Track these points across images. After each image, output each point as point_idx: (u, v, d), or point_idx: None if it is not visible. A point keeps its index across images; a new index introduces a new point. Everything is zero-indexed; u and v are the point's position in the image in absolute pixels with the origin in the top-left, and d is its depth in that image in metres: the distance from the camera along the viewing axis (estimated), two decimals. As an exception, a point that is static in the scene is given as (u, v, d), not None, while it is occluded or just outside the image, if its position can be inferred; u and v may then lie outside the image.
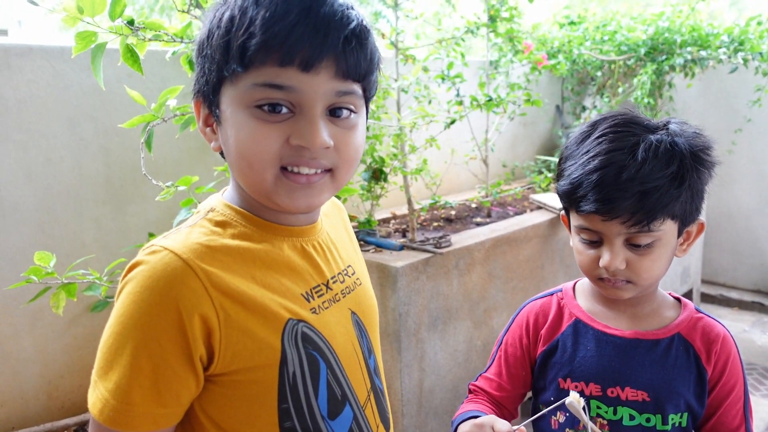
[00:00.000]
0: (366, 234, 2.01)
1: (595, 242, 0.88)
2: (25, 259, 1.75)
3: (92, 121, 1.85)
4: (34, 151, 1.75)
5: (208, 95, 0.69)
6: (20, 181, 1.73)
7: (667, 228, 0.85)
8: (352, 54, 0.65)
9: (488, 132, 2.69)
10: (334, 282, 0.78)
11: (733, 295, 3.76)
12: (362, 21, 0.66)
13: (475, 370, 2.09)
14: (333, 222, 0.87)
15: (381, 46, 2.38)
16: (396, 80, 2.15)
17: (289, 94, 0.64)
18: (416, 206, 2.27)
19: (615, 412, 0.89)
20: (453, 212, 2.61)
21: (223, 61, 0.64)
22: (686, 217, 0.87)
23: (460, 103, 2.18)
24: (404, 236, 2.14)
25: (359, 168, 2.07)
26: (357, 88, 0.68)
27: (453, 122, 2.04)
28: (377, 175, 2.07)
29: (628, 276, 0.86)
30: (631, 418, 0.89)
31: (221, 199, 0.75)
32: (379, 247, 1.95)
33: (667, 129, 0.86)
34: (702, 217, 0.92)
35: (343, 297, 0.78)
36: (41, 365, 1.80)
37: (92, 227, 1.87)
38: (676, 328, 0.92)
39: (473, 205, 2.74)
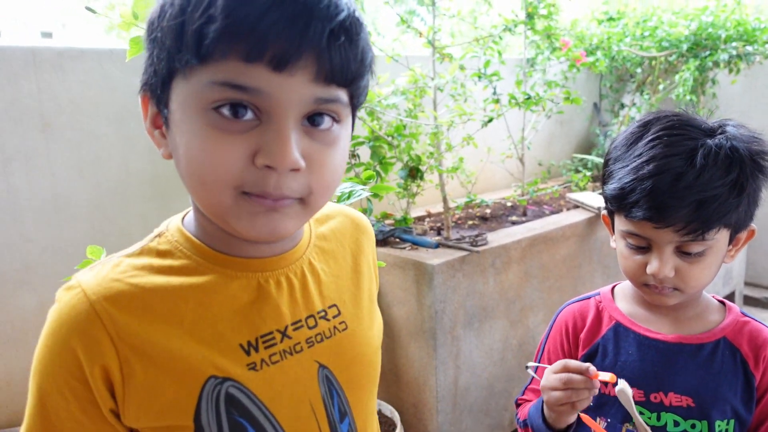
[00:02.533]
0: (402, 231, 2.02)
1: (643, 248, 0.85)
2: (77, 253, 1.83)
3: (138, 120, 1.91)
4: (86, 149, 1.82)
5: (156, 90, 0.56)
6: (73, 178, 1.81)
7: (721, 237, 0.83)
8: (338, 52, 0.51)
9: (525, 130, 2.67)
10: (296, 328, 0.63)
11: (779, 298, 3.64)
12: (354, 11, 0.52)
13: (511, 370, 2.08)
14: (336, 246, 0.71)
15: (417, 44, 2.40)
16: (433, 79, 2.16)
17: (255, 97, 0.50)
18: (451, 204, 2.27)
19: (659, 418, 0.88)
20: (488, 211, 2.60)
21: (175, 48, 0.50)
22: (740, 225, 0.85)
23: (497, 101, 2.18)
24: (439, 234, 2.15)
25: (396, 166, 2.09)
26: (342, 94, 0.54)
27: (491, 120, 2.04)
28: (414, 173, 2.08)
29: (676, 284, 0.84)
30: (676, 424, 0.87)
31: (177, 222, 0.65)
32: (416, 244, 1.96)
33: (725, 132, 0.82)
34: (753, 224, 0.88)
35: (309, 347, 0.63)
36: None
37: (139, 222, 1.94)
38: (722, 332, 0.89)
39: (508, 204, 2.73)
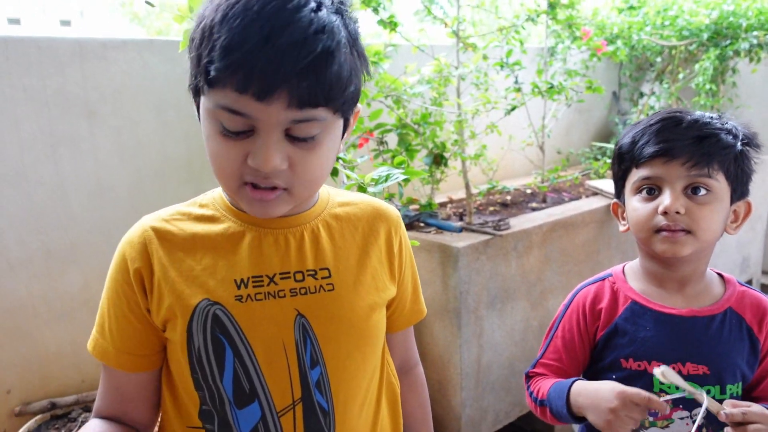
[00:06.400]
0: (428, 216, 2.10)
1: (655, 193, 0.94)
2: (119, 233, 1.93)
3: (176, 109, 2.01)
4: (127, 135, 1.92)
5: (193, 95, 0.71)
6: (115, 164, 1.90)
7: (722, 184, 0.92)
8: (306, 85, 0.63)
9: (545, 118, 2.72)
10: (283, 278, 0.76)
11: (796, 286, 3.66)
12: (329, 46, 0.63)
13: (531, 350, 2.16)
14: (346, 226, 0.84)
15: (441, 34, 2.45)
16: (456, 68, 2.22)
17: (247, 119, 0.65)
18: (474, 191, 2.34)
19: (677, 387, 0.94)
20: (509, 197, 2.66)
21: (197, 71, 0.66)
22: (737, 184, 0.93)
23: (519, 90, 2.23)
24: (461, 219, 2.22)
25: (421, 153, 2.16)
26: (320, 112, 0.66)
27: (514, 108, 2.10)
28: (438, 160, 2.15)
29: (688, 224, 0.90)
30: None
31: (220, 189, 0.82)
32: (440, 228, 2.04)
33: (720, 116, 0.96)
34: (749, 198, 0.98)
35: (292, 296, 0.76)
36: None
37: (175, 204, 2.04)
38: (727, 302, 0.97)
39: (528, 191, 2.79)
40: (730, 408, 0.84)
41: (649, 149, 0.92)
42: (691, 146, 0.90)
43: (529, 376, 1.09)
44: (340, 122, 0.72)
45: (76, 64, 1.80)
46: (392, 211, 0.89)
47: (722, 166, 0.91)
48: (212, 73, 0.63)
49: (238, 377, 0.74)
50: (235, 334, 0.74)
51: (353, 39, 0.69)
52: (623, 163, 0.99)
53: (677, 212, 0.90)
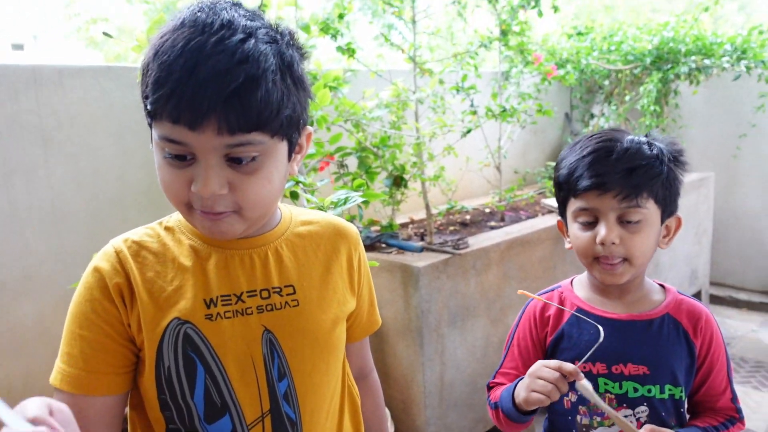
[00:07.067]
0: (389, 237, 2.14)
1: (591, 224, 1.00)
2: (76, 262, 1.90)
3: (135, 135, 2.00)
4: (84, 162, 1.90)
5: (149, 126, 0.73)
6: (71, 191, 1.88)
7: (652, 210, 0.99)
8: (234, 111, 0.66)
9: (501, 140, 2.82)
10: (250, 296, 0.79)
11: (742, 296, 3.84)
12: (253, 74, 0.66)
13: (492, 366, 2.20)
14: (308, 244, 0.87)
15: (399, 59, 2.53)
16: (414, 92, 2.29)
17: (185, 147, 0.68)
18: (433, 211, 2.39)
19: (620, 387, 1.01)
20: (468, 217, 2.73)
21: (144, 105, 0.70)
22: (666, 204, 1.01)
23: (474, 113, 2.32)
24: (422, 239, 2.27)
25: (381, 175, 2.21)
26: (254, 137, 0.69)
27: (469, 131, 2.18)
28: (398, 181, 2.20)
29: (623, 253, 0.98)
30: (635, 390, 1.01)
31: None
32: (401, 249, 2.08)
33: (647, 136, 1.03)
34: (679, 213, 1.05)
35: (258, 313, 0.79)
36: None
37: (135, 232, 2.02)
38: (665, 309, 1.04)
39: (487, 210, 2.87)
40: None
41: (583, 183, 0.97)
42: (622, 179, 0.95)
43: (489, 387, 1.14)
44: (283, 145, 0.75)
45: (31, 91, 1.78)
46: (352, 229, 0.94)
47: (651, 194, 0.98)
48: (148, 106, 0.68)
49: (209, 392, 0.77)
50: (206, 351, 0.76)
51: (287, 65, 0.72)
52: (561, 191, 1.06)
53: (613, 243, 0.98)
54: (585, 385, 0.92)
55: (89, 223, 1.92)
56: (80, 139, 1.88)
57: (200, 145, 0.68)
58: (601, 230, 0.98)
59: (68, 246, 1.88)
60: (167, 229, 0.83)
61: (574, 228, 1.04)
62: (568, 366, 0.91)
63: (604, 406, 0.91)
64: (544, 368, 0.93)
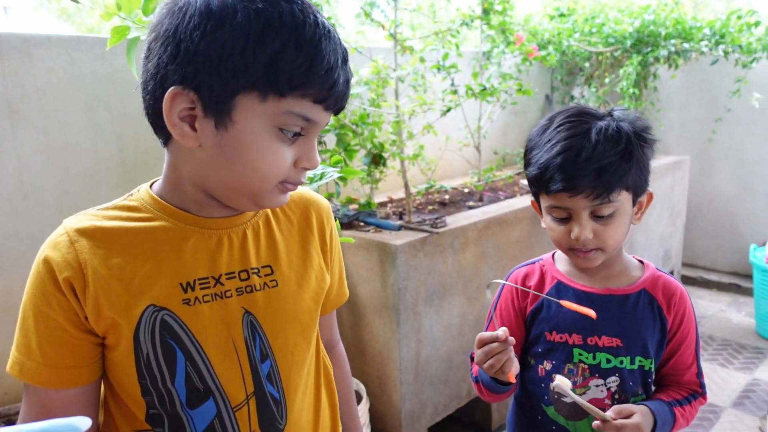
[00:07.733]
0: (367, 215, 2.13)
1: (565, 218, 1.01)
2: (44, 238, 1.85)
3: (107, 108, 1.95)
4: (53, 135, 1.84)
5: (212, 97, 0.67)
6: (40, 165, 1.83)
7: (624, 198, 1.00)
8: (346, 97, 0.74)
9: (481, 120, 2.81)
10: (229, 278, 0.77)
11: (713, 277, 3.94)
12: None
13: (468, 343, 2.23)
14: (284, 220, 0.87)
15: (380, 36, 2.50)
16: (395, 70, 2.26)
17: (311, 125, 0.72)
18: (412, 190, 2.39)
19: (594, 357, 1.04)
20: (447, 196, 2.73)
21: (258, 76, 0.66)
22: (638, 188, 1.02)
23: (455, 92, 2.30)
24: (401, 218, 2.27)
25: (360, 153, 2.19)
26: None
27: (449, 110, 2.16)
28: (377, 160, 2.19)
29: (597, 244, 1.00)
30: (608, 361, 1.04)
31: (145, 187, 0.79)
32: (379, 227, 2.07)
33: (612, 115, 1.01)
34: (650, 189, 1.06)
35: (238, 295, 0.77)
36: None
37: (107, 208, 1.98)
38: (642, 284, 1.07)
39: (466, 190, 2.87)
40: (614, 414, 0.96)
41: (554, 186, 0.97)
42: (593, 181, 0.95)
43: (472, 358, 1.15)
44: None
45: (-4, 61, 1.71)
46: (321, 199, 0.93)
47: (622, 186, 0.99)
48: (296, 83, 0.68)
49: (190, 378, 0.74)
50: (185, 338, 0.74)
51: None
52: (533, 186, 1.07)
53: (587, 237, 0.99)
54: (561, 383, 0.97)
55: (58, 199, 1.87)
56: (49, 112, 1.83)
57: (323, 123, 0.74)
58: (575, 228, 0.99)
59: (36, 221, 1.83)
60: (129, 208, 0.76)
61: (548, 220, 1.05)
62: (486, 334, 0.95)
63: (578, 399, 0.96)
64: (477, 351, 0.96)
